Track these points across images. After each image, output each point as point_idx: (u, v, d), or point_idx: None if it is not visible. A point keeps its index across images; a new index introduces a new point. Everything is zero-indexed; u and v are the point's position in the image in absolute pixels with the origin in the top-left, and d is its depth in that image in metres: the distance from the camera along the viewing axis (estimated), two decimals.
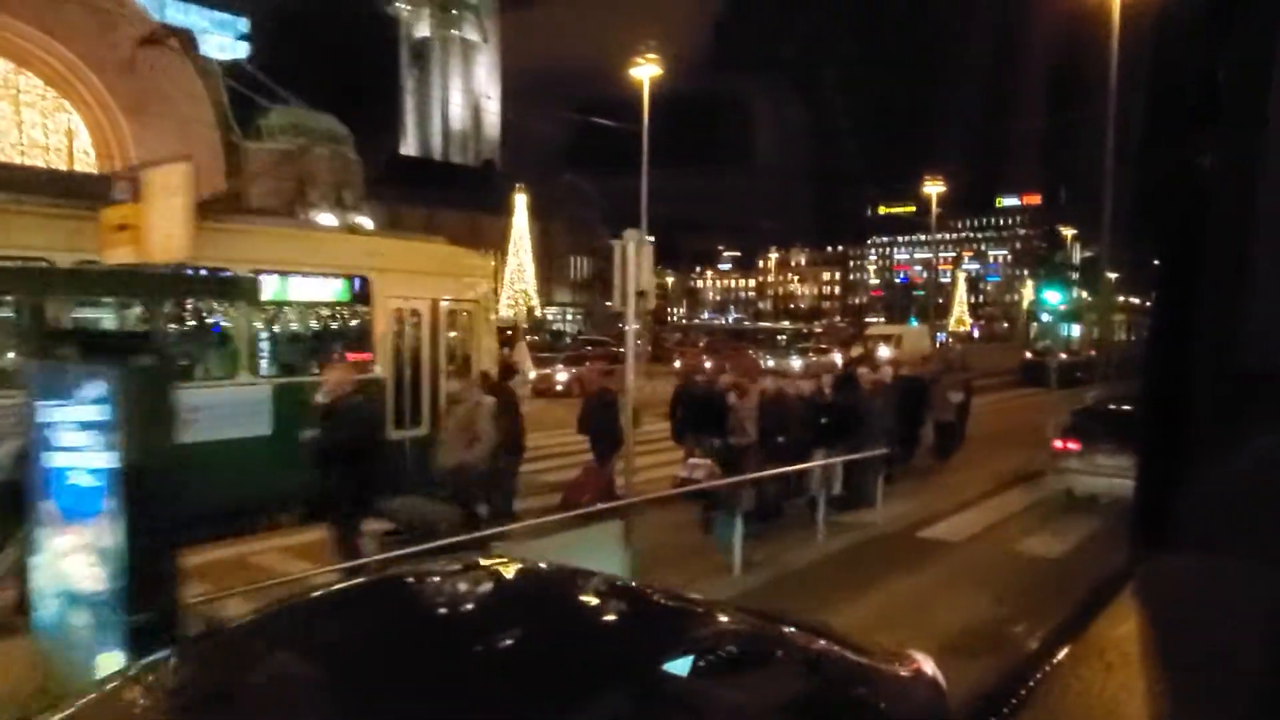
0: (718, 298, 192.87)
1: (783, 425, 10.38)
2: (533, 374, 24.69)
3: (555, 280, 76.60)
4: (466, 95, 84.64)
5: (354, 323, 10.46)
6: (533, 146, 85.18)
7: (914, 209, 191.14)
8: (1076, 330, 40.05)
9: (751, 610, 3.12)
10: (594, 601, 3.03)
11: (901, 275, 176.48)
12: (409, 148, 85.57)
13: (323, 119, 43.62)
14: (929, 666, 3.12)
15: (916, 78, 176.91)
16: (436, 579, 3.08)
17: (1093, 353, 35.59)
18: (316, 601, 2.96)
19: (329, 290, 10.22)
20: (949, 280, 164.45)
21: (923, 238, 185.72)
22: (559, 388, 24.10)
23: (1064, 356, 35.55)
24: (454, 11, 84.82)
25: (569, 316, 76.89)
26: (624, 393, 9.99)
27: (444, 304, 10.79)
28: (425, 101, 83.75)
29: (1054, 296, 17.32)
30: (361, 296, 10.19)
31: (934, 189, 54.81)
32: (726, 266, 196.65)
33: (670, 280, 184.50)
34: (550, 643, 2.42)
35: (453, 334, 11.21)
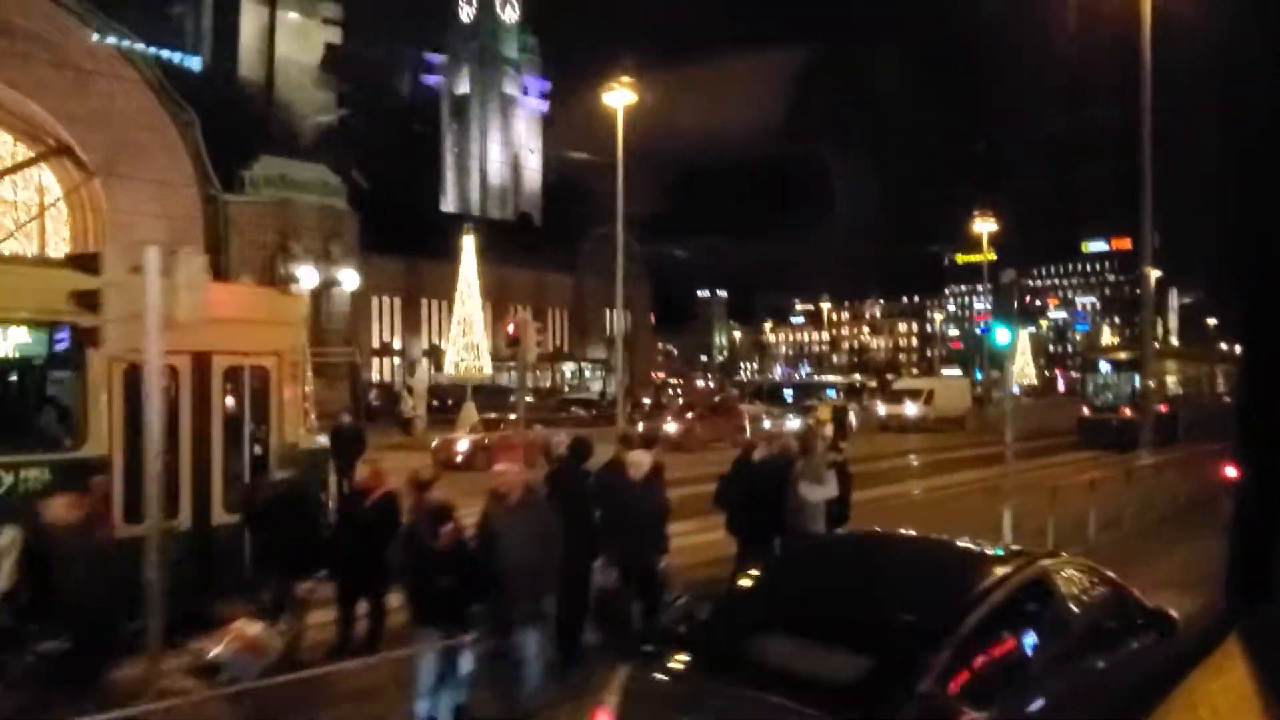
0: (790, 352, 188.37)
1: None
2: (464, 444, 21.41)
3: (589, 335, 73.25)
4: (506, 150, 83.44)
5: (61, 387, 8.11)
6: (583, 201, 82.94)
7: (994, 258, 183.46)
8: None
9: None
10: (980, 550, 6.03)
11: (982, 325, 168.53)
12: (449, 204, 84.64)
13: (312, 169, 41.74)
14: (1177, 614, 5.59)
15: (995, 120, 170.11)
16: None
17: (1162, 408, 30.58)
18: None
19: (5, 345, 7.88)
20: (1033, 330, 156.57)
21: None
22: (458, 459, 20.30)
23: (1127, 413, 30.59)
24: (494, 67, 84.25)
25: (586, 373, 72.95)
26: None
27: (219, 360, 8.38)
28: (464, 157, 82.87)
29: (1004, 335, 13.18)
30: (67, 352, 7.84)
31: (985, 226, 49.73)
32: (799, 320, 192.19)
33: (738, 335, 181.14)
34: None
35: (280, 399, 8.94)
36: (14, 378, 8.17)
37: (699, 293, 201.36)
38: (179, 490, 8.08)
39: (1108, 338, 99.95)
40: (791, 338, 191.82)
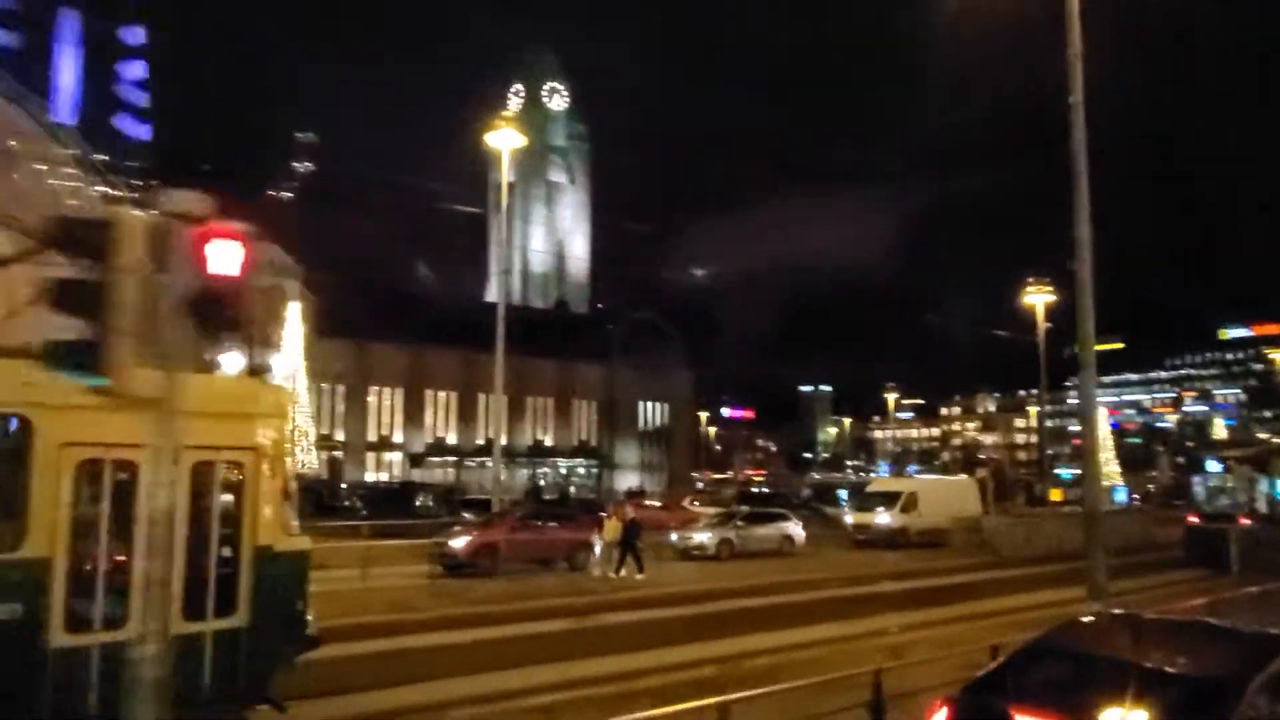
0: (897, 448, 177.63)
1: None
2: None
3: (620, 431, 67.51)
4: (550, 238, 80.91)
5: (1, 481, 7.36)
6: (627, 288, 78.70)
7: (1122, 345, 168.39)
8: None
9: None
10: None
11: (1110, 420, 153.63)
12: (492, 293, 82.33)
13: (262, 250, 38.82)
14: None
15: (1120, 201, 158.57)
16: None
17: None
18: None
19: None
20: (1166, 425, 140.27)
21: (1133, 377, 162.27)
22: None
23: (1246, 522, 26.20)
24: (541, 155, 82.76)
25: (579, 471, 66.13)
26: None
27: (186, 454, 6.94)
28: (508, 244, 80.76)
29: None
30: (12, 444, 7.24)
31: (1039, 298, 41.85)
32: (906, 415, 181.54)
33: (833, 431, 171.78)
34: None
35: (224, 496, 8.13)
36: None
37: (801, 388, 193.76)
38: (130, 596, 7.24)
39: (1222, 432, 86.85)
40: (898, 434, 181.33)
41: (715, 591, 16.45)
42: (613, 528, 18.48)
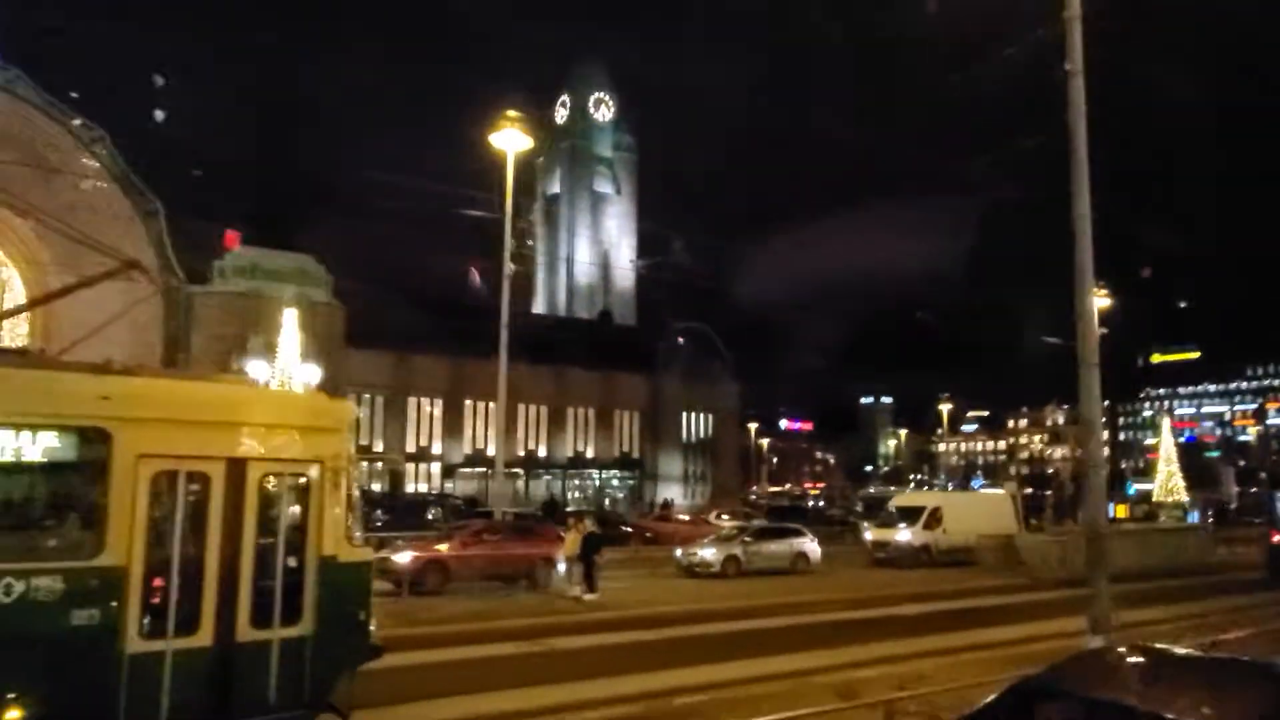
0: (961, 462, 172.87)
1: None
2: None
3: (663, 442, 66.44)
4: (595, 248, 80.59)
5: (81, 492, 7.65)
6: (674, 298, 77.91)
7: (1198, 354, 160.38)
8: None
9: None
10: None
11: (1187, 434, 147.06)
12: (539, 304, 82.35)
13: (291, 259, 39.19)
14: None
15: (1202, 202, 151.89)
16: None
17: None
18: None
19: (29, 448, 7.36)
20: (1248, 439, 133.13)
21: (1212, 388, 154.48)
22: None
23: None
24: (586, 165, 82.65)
25: (612, 483, 64.76)
26: None
27: (255, 466, 7.98)
28: (553, 256, 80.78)
29: None
30: (93, 456, 7.49)
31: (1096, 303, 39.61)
32: (971, 428, 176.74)
33: (892, 444, 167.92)
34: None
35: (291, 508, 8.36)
36: (36, 481, 7.79)
37: (862, 400, 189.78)
38: (201, 604, 7.66)
39: None
40: (963, 446, 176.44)
41: (696, 613, 15.37)
42: (571, 541, 17.56)
